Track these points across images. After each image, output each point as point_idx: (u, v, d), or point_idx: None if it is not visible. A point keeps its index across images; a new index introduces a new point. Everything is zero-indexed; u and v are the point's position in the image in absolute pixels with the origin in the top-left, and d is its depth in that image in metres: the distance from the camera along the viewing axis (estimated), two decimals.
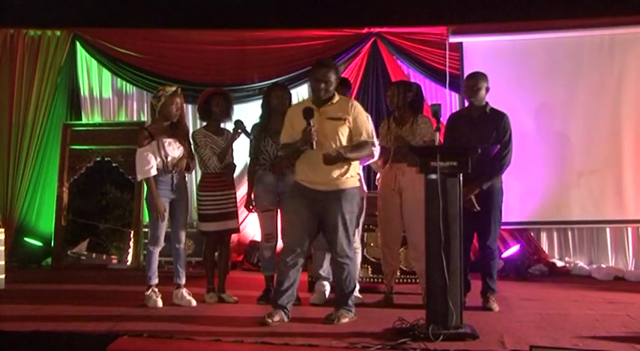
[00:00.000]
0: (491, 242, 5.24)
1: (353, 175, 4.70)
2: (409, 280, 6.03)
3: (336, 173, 4.59)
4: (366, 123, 4.77)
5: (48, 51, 8.19)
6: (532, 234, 7.74)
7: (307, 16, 7.87)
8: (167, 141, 5.30)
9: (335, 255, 4.73)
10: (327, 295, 5.46)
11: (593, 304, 5.54)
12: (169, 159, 5.29)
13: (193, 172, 6.89)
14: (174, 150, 5.32)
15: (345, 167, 4.63)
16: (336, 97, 4.72)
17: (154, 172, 5.23)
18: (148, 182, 5.26)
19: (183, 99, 5.46)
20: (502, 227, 5.81)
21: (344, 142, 4.62)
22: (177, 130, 5.39)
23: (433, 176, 4.28)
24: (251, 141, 5.64)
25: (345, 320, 4.64)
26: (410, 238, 5.36)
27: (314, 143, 4.51)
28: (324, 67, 4.63)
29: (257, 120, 5.74)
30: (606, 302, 5.64)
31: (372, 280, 6.12)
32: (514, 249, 7.37)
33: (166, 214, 5.32)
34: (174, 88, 5.36)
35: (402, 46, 7.99)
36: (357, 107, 4.75)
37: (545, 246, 7.75)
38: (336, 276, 4.84)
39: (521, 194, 7.12)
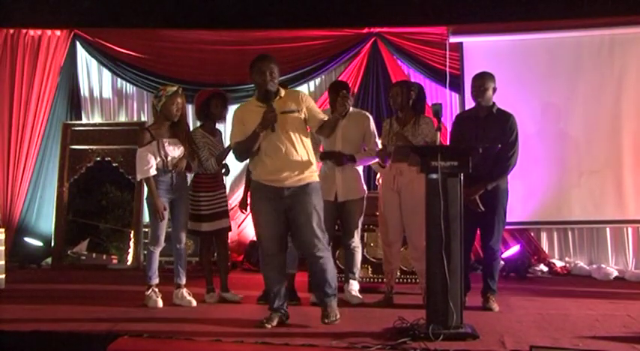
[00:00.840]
0: (494, 243, 5.23)
1: (314, 169, 4.60)
2: (409, 280, 6.02)
3: (299, 168, 4.48)
4: (318, 109, 4.70)
5: (48, 51, 8.21)
6: (532, 234, 7.74)
7: (307, 16, 7.88)
8: (167, 141, 5.30)
9: (312, 254, 4.50)
10: None
11: (593, 304, 5.54)
12: (169, 159, 5.29)
13: None
14: (174, 150, 5.32)
15: (307, 159, 4.53)
16: (282, 91, 4.61)
17: (153, 172, 5.23)
18: (147, 182, 5.26)
19: (184, 99, 5.46)
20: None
21: (300, 133, 4.54)
22: (178, 130, 5.39)
23: (434, 176, 4.27)
24: None
25: (336, 309, 4.54)
26: (410, 237, 5.36)
27: (276, 125, 4.41)
28: (266, 60, 4.54)
29: None
30: (606, 302, 5.64)
31: (372, 280, 6.11)
32: (514, 249, 7.36)
33: (167, 214, 5.31)
34: (175, 88, 5.36)
35: (402, 46, 8.00)
36: (305, 95, 4.69)
37: (545, 246, 7.75)
38: (318, 273, 4.56)
39: (521, 194, 7.09)
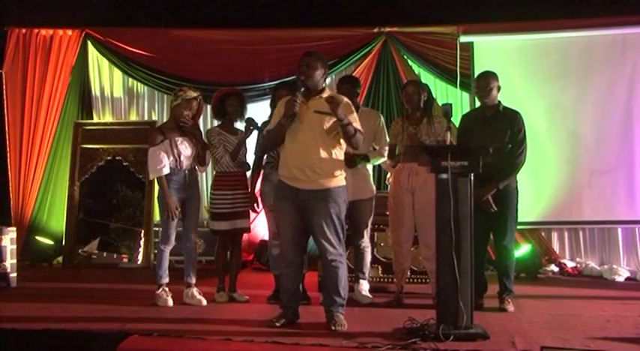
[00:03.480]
0: (507, 242, 5.20)
1: (338, 174, 4.51)
2: (420, 280, 6.00)
3: (321, 170, 4.41)
4: (356, 116, 4.54)
5: (60, 51, 8.24)
6: (543, 234, 7.71)
7: (317, 15, 7.88)
8: (179, 139, 5.31)
9: (324, 257, 4.48)
10: None
11: (604, 305, 5.51)
12: (182, 158, 5.30)
13: (207, 170, 6.96)
14: (186, 148, 5.33)
15: (331, 164, 4.45)
16: (327, 92, 4.55)
17: (166, 170, 5.24)
18: (160, 181, 5.27)
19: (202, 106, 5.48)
20: None
21: (329, 136, 4.44)
22: (188, 129, 5.38)
23: (444, 176, 4.25)
24: (258, 138, 5.63)
25: (344, 320, 4.49)
26: (422, 237, 5.34)
27: (297, 117, 4.36)
28: (305, 55, 4.52)
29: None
30: (618, 303, 5.61)
31: (382, 279, 6.10)
32: (525, 249, 7.32)
33: (178, 213, 5.32)
34: (195, 94, 5.36)
35: (412, 46, 7.99)
36: (348, 104, 4.49)
37: (556, 246, 7.72)
38: (329, 279, 4.52)
39: (532, 194, 7.05)
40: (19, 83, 8.18)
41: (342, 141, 4.53)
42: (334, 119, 4.38)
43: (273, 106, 5.61)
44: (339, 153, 4.53)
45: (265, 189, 5.51)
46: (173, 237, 5.38)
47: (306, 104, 4.46)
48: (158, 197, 5.40)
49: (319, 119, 4.40)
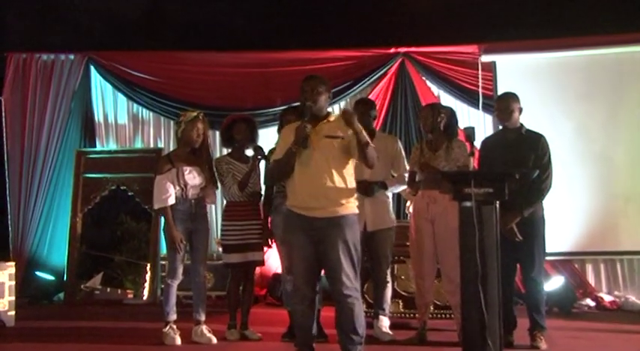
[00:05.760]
0: (536, 274, 5.14)
1: (352, 201, 4.47)
2: (444, 316, 5.96)
3: (335, 196, 4.39)
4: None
5: (61, 75, 8.34)
6: (576, 266, 7.63)
7: (331, 36, 7.94)
8: (187, 169, 5.34)
9: (339, 291, 4.36)
10: None
11: None
12: (188, 187, 5.32)
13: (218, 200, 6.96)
14: (194, 178, 5.35)
15: (345, 190, 4.43)
16: (332, 116, 4.57)
17: (171, 201, 5.26)
18: (164, 212, 5.29)
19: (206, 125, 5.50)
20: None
21: (341, 161, 4.44)
22: (200, 158, 5.44)
23: (467, 204, 4.23)
24: (267, 166, 5.65)
25: None
26: (444, 269, 5.30)
27: (309, 142, 4.35)
28: (309, 78, 4.53)
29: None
30: None
31: (403, 315, 6.07)
32: (557, 282, 7.24)
33: (184, 246, 5.32)
34: (195, 114, 5.42)
35: (431, 67, 8.03)
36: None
37: (591, 279, 7.63)
38: (344, 316, 4.42)
39: (562, 222, 7.00)
40: (19, 110, 8.26)
41: (352, 166, 4.54)
42: (344, 141, 4.41)
43: (280, 131, 5.63)
44: (351, 179, 4.53)
45: (276, 220, 5.50)
46: (180, 271, 5.38)
47: (314, 130, 4.47)
48: (163, 229, 5.41)
49: (330, 144, 4.41)
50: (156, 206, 5.38)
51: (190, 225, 5.38)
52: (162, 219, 5.38)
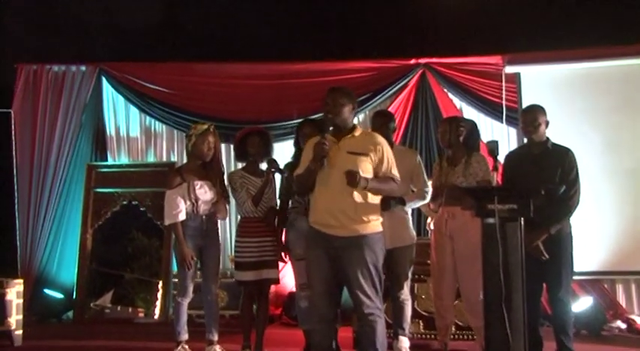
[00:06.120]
0: (563, 294, 5.07)
1: (374, 219, 4.47)
2: (466, 337, 5.92)
3: (354, 214, 4.37)
4: (393, 163, 4.54)
5: (72, 87, 8.40)
6: (606, 286, 7.55)
7: (349, 47, 7.95)
8: (198, 183, 5.36)
9: (360, 310, 4.39)
10: None
11: None
12: (199, 203, 5.34)
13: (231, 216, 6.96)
14: (205, 193, 5.37)
15: (366, 208, 4.41)
16: (359, 131, 4.56)
17: (182, 216, 5.28)
18: (175, 227, 5.30)
19: (220, 138, 5.52)
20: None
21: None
22: (211, 172, 5.46)
23: (491, 220, 4.21)
24: (282, 181, 5.66)
25: None
26: (464, 288, 5.28)
27: (325, 160, 4.36)
28: (331, 91, 4.53)
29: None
30: None
31: (424, 336, 6.03)
32: (586, 303, 7.16)
33: (195, 263, 5.34)
34: (206, 126, 5.44)
35: (453, 78, 8.02)
36: (385, 147, 4.52)
37: (622, 300, 7.55)
38: (365, 336, 4.44)
39: (590, 240, 6.95)
40: (29, 122, 8.32)
41: None
42: (369, 159, 4.40)
43: (296, 145, 5.65)
44: (374, 196, 4.52)
45: (290, 236, 5.51)
46: (191, 289, 5.39)
47: (337, 145, 4.47)
48: (173, 245, 5.42)
49: (352, 160, 4.38)
50: (166, 222, 5.39)
51: (201, 241, 5.39)
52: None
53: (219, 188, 5.48)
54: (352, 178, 4.25)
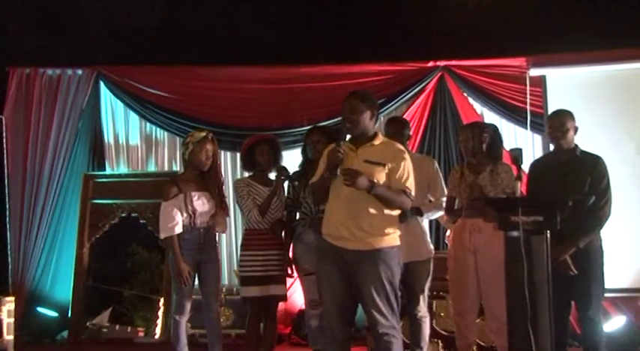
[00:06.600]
0: (593, 313, 5.03)
1: (391, 232, 4.46)
2: None
3: (370, 227, 4.37)
4: (409, 176, 4.51)
5: (68, 92, 8.38)
6: None
7: (363, 49, 7.95)
8: (196, 194, 5.36)
9: (375, 330, 4.41)
10: None
11: None
12: (197, 215, 5.34)
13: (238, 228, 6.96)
14: (203, 204, 5.37)
15: (382, 220, 4.41)
16: (380, 139, 4.56)
17: (178, 229, 5.28)
18: (171, 241, 5.30)
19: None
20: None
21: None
22: (210, 182, 5.47)
23: (515, 234, 4.20)
24: (289, 190, 5.65)
25: None
26: (487, 306, 5.26)
27: (338, 170, 4.34)
28: (351, 98, 4.53)
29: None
30: None
31: None
32: (618, 322, 7.13)
33: (193, 278, 5.33)
34: (203, 134, 5.45)
35: (473, 81, 8.00)
36: (404, 157, 4.50)
37: None
38: None
39: (623, 254, 6.89)
40: (22, 129, 8.30)
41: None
42: (385, 170, 4.39)
43: (304, 153, 5.66)
44: (393, 209, 4.49)
45: (298, 250, 5.51)
46: (188, 306, 5.38)
47: (355, 153, 4.46)
48: (169, 260, 5.42)
49: (369, 170, 4.38)
50: (162, 235, 5.39)
51: (199, 256, 5.39)
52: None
53: (218, 199, 5.47)
54: (351, 177, 4.23)
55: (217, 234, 5.71)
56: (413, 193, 4.52)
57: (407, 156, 4.54)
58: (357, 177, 4.23)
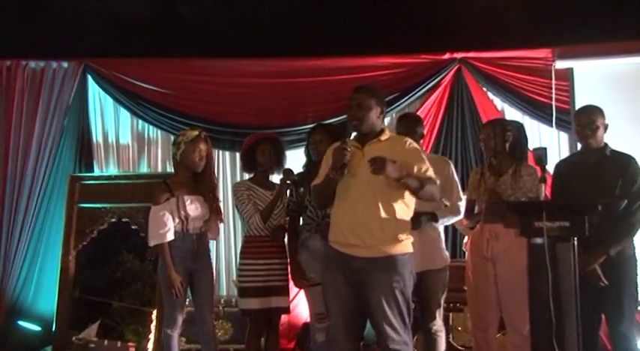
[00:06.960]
0: (626, 328, 5.01)
1: (404, 238, 4.46)
2: None
3: (381, 232, 4.36)
4: (428, 165, 4.50)
5: (53, 86, 8.37)
6: None
7: (373, 40, 7.93)
8: (189, 198, 5.35)
9: (385, 346, 4.39)
10: None
11: None
12: (190, 220, 5.33)
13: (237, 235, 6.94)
14: (196, 209, 5.37)
15: (394, 225, 4.40)
16: (386, 134, 4.57)
17: (170, 236, 5.28)
18: (161, 249, 5.29)
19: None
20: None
21: (391, 189, 4.38)
22: (203, 185, 5.47)
23: (538, 240, 4.19)
24: (291, 193, 5.64)
25: None
26: (508, 319, 5.24)
27: (346, 170, 4.36)
28: (357, 93, 4.54)
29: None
30: None
31: None
32: None
33: (185, 289, 5.34)
34: (196, 133, 5.45)
35: (493, 75, 8.00)
36: (411, 146, 4.54)
37: None
38: None
39: None
40: (2, 128, 8.27)
41: (407, 196, 4.46)
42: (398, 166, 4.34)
43: (307, 153, 5.65)
44: (405, 211, 4.47)
45: (303, 258, 5.50)
46: (180, 319, 5.40)
47: (362, 151, 4.45)
48: (159, 269, 5.40)
49: None
50: (152, 242, 5.38)
51: (192, 264, 5.39)
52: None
53: (211, 204, 5.44)
54: (379, 165, 4.17)
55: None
56: (437, 180, 4.49)
57: (418, 147, 4.54)
58: (386, 164, 4.18)
